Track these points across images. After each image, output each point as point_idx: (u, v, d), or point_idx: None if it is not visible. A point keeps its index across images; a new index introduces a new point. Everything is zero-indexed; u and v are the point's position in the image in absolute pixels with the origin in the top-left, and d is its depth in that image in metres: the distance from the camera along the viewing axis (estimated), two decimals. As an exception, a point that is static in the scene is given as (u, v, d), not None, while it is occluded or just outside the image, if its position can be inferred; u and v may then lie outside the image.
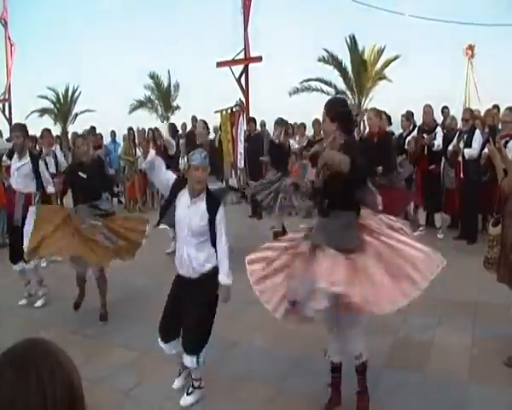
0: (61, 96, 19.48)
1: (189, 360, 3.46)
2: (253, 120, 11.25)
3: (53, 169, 6.49)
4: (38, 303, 5.69)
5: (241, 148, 10.45)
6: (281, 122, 8.04)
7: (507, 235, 3.82)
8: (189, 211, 3.44)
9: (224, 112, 10.93)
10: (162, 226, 6.98)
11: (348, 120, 3.26)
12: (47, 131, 7.58)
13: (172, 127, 9.30)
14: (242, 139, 10.50)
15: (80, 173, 5.13)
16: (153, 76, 18.96)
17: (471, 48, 13.94)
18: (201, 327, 3.43)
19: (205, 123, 7.73)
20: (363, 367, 3.25)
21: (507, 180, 3.79)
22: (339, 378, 3.37)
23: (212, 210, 3.43)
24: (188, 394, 3.57)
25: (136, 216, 5.38)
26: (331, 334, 3.30)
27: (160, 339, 3.63)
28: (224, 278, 3.44)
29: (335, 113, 3.16)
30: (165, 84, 18.95)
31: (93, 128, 12.15)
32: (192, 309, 3.40)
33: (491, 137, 4.19)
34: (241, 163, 10.47)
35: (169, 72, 18.91)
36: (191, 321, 3.39)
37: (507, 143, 5.81)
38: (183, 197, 3.52)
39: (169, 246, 7.62)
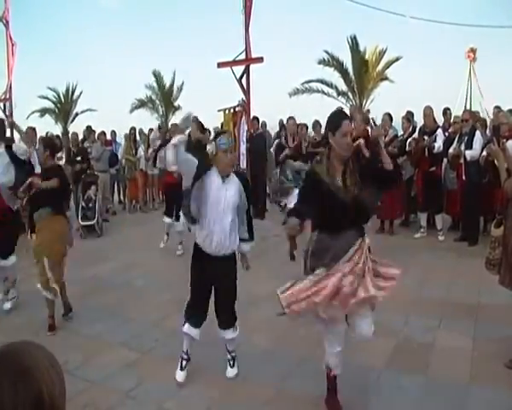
0: (61, 96, 19.46)
1: (230, 333, 3.84)
2: (257, 119, 11.10)
3: (38, 169, 6.37)
4: (7, 305, 5.45)
5: (243, 148, 10.43)
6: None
7: (509, 237, 3.81)
8: (224, 189, 3.60)
9: (226, 111, 10.91)
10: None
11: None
12: (30, 130, 7.49)
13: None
14: (244, 140, 10.48)
15: None
16: (156, 74, 18.87)
17: (473, 51, 13.91)
18: (235, 299, 3.80)
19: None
20: None
21: (510, 181, 3.77)
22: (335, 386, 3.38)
23: (246, 189, 3.75)
24: (232, 366, 3.93)
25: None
26: (340, 347, 3.26)
27: (189, 325, 3.78)
28: (247, 246, 3.91)
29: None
30: (168, 84, 18.88)
31: (89, 127, 12.21)
32: (228, 284, 3.73)
33: (494, 138, 4.17)
34: (243, 164, 10.45)
35: (174, 73, 18.85)
36: (228, 296, 3.74)
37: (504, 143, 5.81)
38: (214, 179, 3.59)
39: (163, 241, 7.73)
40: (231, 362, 3.95)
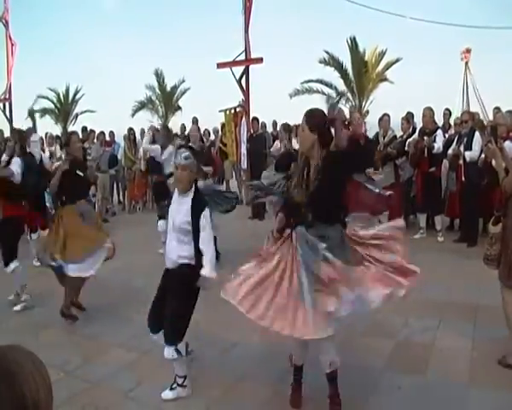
0: (61, 97, 19.46)
1: (166, 352, 3.49)
2: (257, 119, 11.09)
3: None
4: (17, 308, 5.46)
5: (243, 149, 10.44)
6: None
7: (509, 236, 3.80)
8: (176, 206, 3.55)
9: (227, 112, 10.92)
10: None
11: (326, 131, 3.14)
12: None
13: (164, 131, 8.02)
14: (245, 140, 10.49)
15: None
16: (158, 74, 18.78)
17: (468, 51, 13.93)
18: (177, 317, 3.47)
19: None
20: (334, 375, 3.24)
21: (508, 180, 3.77)
22: (301, 377, 3.46)
23: (196, 211, 3.46)
24: (171, 388, 3.60)
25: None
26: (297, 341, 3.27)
27: (149, 331, 3.69)
28: (207, 271, 3.37)
29: (315, 123, 3.10)
30: (171, 85, 18.77)
31: (85, 128, 12.19)
32: (171, 300, 3.49)
33: (492, 138, 4.17)
34: (244, 164, 10.46)
35: (183, 78, 18.76)
36: (169, 311, 3.47)
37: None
38: (176, 193, 3.62)
39: (161, 246, 7.62)
40: (172, 384, 3.62)
